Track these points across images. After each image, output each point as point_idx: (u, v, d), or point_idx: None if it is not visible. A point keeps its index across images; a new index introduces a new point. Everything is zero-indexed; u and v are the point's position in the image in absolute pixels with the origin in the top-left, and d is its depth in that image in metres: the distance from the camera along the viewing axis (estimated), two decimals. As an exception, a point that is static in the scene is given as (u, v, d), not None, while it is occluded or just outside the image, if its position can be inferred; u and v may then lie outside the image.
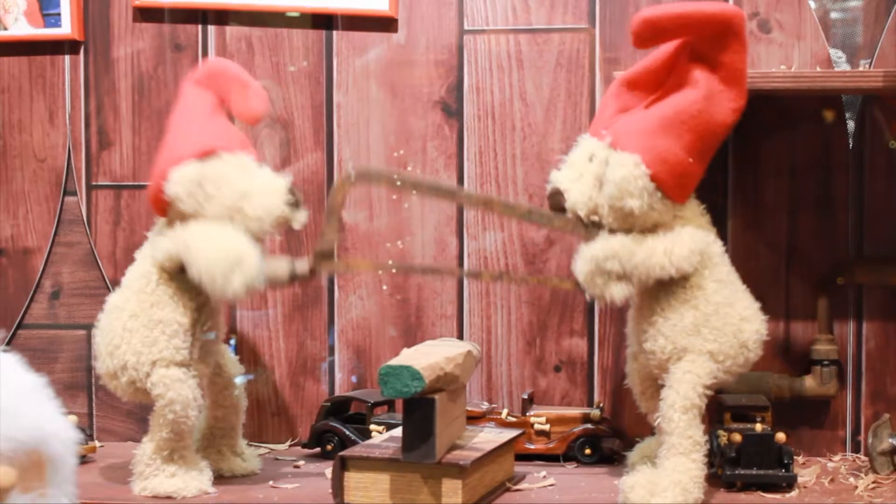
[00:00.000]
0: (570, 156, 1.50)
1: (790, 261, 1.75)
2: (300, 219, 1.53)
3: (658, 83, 1.47)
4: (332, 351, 1.84)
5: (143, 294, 1.51)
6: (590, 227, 1.46)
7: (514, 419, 1.70)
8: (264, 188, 1.50)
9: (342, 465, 1.44)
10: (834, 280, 1.73)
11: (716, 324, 1.43)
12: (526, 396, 1.71)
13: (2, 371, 0.92)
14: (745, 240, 1.75)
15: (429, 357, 1.43)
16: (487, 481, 1.48)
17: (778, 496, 1.46)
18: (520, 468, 1.61)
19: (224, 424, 1.63)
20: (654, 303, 1.46)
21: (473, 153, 1.81)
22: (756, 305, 1.48)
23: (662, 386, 1.45)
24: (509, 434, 1.58)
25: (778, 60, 1.74)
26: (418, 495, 1.41)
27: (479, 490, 1.45)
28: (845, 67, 1.65)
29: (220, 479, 1.57)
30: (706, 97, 1.41)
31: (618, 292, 1.43)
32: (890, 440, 1.58)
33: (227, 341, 1.70)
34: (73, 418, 1.66)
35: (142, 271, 1.53)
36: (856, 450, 1.73)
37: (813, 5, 1.67)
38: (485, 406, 1.73)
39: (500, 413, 1.72)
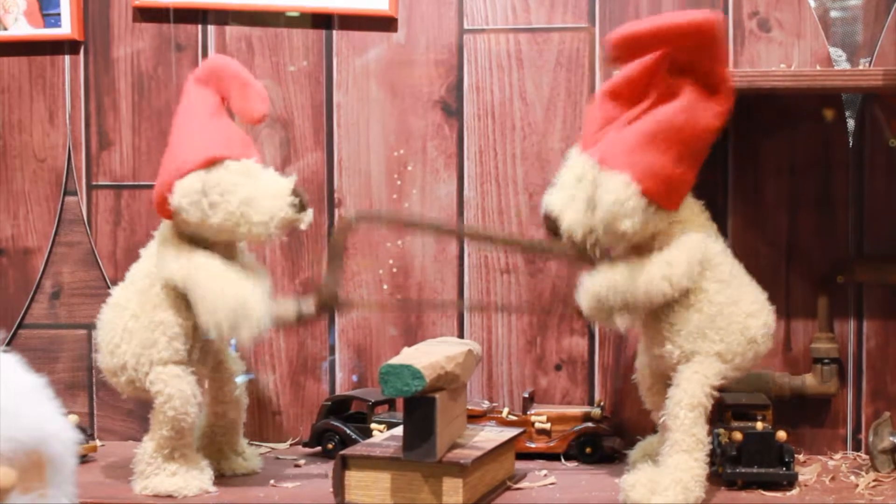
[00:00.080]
0: (560, 176, 1.50)
1: (790, 259, 1.75)
2: (306, 219, 1.52)
3: (640, 92, 1.44)
4: (332, 350, 1.84)
5: (145, 294, 1.52)
6: (590, 254, 1.46)
7: (514, 418, 1.70)
8: (268, 192, 1.49)
9: (343, 464, 1.44)
10: (834, 278, 1.73)
11: (721, 324, 1.43)
12: (527, 395, 1.71)
13: (2, 371, 0.92)
14: (746, 238, 1.75)
15: (429, 356, 1.43)
16: (488, 480, 1.48)
17: (779, 494, 1.46)
18: (520, 467, 1.61)
19: (224, 422, 1.63)
20: (658, 310, 1.46)
21: (473, 152, 1.81)
22: (763, 297, 1.48)
23: (670, 384, 1.45)
24: (510, 433, 1.58)
25: (778, 59, 1.74)
26: (419, 494, 1.41)
27: (479, 489, 1.45)
28: (845, 66, 1.65)
29: (220, 478, 1.57)
30: (688, 107, 1.39)
31: (621, 322, 1.45)
32: (891, 438, 1.57)
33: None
34: (74, 418, 1.66)
35: (146, 270, 1.54)
36: (856, 448, 1.73)
37: (813, 4, 1.67)
38: (485, 405, 1.73)
39: (501, 412, 1.72)
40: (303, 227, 1.53)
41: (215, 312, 1.46)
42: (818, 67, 1.69)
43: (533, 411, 1.70)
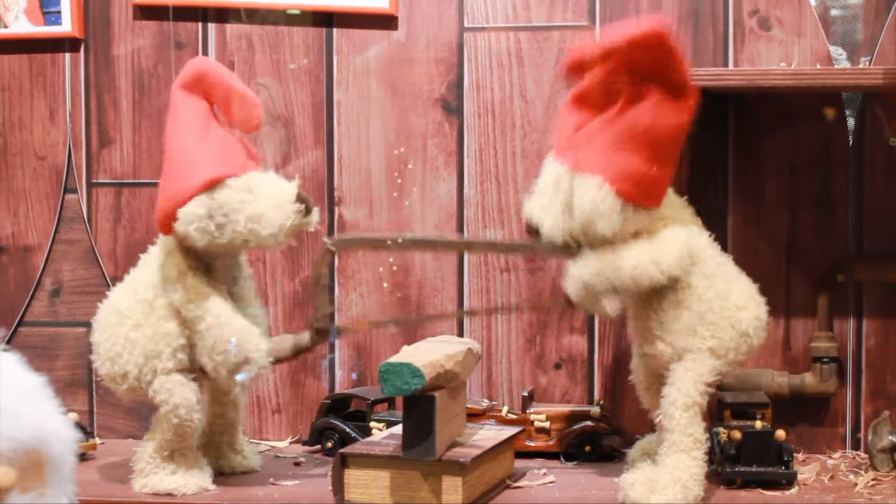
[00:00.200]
0: (538, 182, 1.50)
1: (790, 258, 1.75)
2: (313, 221, 1.52)
3: (607, 97, 1.44)
4: (332, 348, 1.85)
5: (149, 306, 1.50)
6: (571, 248, 1.46)
7: (514, 416, 1.70)
8: (273, 203, 1.48)
9: (342, 463, 1.44)
10: (834, 277, 1.73)
11: (711, 319, 1.43)
12: (526, 394, 1.71)
13: (1, 371, 0.92)
14: (746, 237, 1.75)
15: (429, 354, 1.43)
16: (487, 479, 1.48)
17: (778, 493, 1.47)
18: (520, 465, 1.61)
19: (223, 421, 1.62)
20: (647, 307, 1.46)
21: (473, 150, 1.81)
22: (753, 289, 1.48)
23: (665, 383, 1.45)
24: (509, 431, 1.58)
25: (778, 58, 1.73)
26: (418, 492, 1.41)
27: (479, 487, 1.45)
28: (845, 65, 1.64)
29: (220, 476, 1.57)
30: (655, 108, 1.39)
31: (610, 307, 1.44)
32: (890, 437, 1.58)
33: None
34: (74, 416, 1.66)
35: (147, 280, 1.52)
36: (856, 447, 1.73)
37: (813, 2, 1.67)
38: (485, 403, 1.73)
39: (501, 410, 1.72)
40: (311, 229, 1.53)
41: (215, 359, 1.47)
42: (818, 66, 1.69)
43: (532, 410, 1.70)
